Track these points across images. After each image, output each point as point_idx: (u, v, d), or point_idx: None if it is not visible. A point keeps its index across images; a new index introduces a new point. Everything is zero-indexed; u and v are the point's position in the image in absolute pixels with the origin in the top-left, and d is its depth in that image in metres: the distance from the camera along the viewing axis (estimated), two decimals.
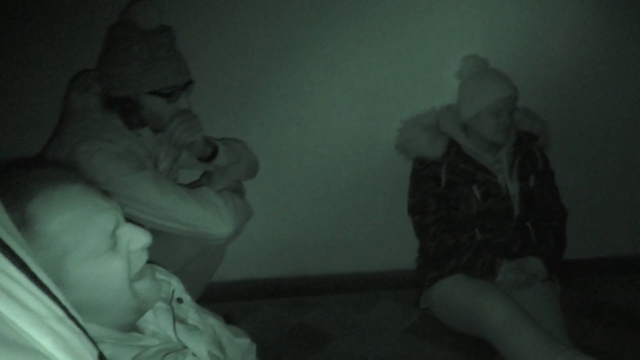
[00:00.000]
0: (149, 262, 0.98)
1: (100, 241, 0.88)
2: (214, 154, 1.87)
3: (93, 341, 0.61)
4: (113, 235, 0.91)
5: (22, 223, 0.83)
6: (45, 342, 0.53)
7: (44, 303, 0.55)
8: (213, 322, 1.21)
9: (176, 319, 1.06)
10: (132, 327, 0.98)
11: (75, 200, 0.88)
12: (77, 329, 0.58)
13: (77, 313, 0.86)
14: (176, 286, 1.14)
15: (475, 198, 2.13)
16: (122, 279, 0.91)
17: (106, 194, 0.95)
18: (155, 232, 1.65)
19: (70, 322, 0.58)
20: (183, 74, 1.70)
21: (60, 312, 0.57)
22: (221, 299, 2.46)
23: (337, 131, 2.45)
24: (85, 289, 0.87)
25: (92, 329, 0.89)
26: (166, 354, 0.94)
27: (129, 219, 0.97)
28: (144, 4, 1.65)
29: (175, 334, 1.03)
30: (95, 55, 1.83)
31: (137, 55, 1.61)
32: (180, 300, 1.13)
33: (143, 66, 1.62)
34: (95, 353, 0.60)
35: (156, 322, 1.04)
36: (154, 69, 1.63)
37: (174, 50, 1.68)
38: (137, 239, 0.94)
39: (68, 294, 0.85)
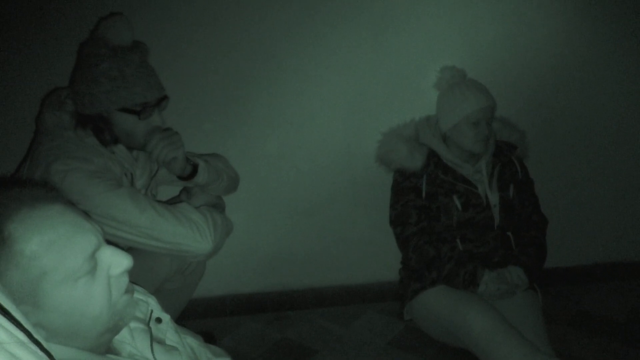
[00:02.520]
0: None
1: (80, 263, 0.86)
2: (193, 173, 1.85)
3: None
4: (93, 258, 0.88)
5: (0, 242, 0.81)
6: None
7: (4, 328, 0.53)
8: (192, 341, 1.19)
9: (154, 339, 1.04)
10: (107, 349, 0.96)
11: (54, 220, 0.86)
12: (40, 353, 0.57)
13: (53, 336, 0.84)
14: (154, 306, 1.12)
15: (456, 208, 2.14)
16: (101, 305, 0.89)
17: (86, 214, 0.93)
18: (132, 249, 1.64)
19: (33, 347, 0.56)
20: (154, 90, 1.67)
21: (22, 337, 0.55)
22: (203, 315, 2.44)
23: (316, 143, 2.45)
24: (62, 313, 0.85)
25: (66, 352, 0.87)
26: None
27: (110, 242, 0.95)
28: (114, 19, 1.63)
29: (153, 355, 1.01)
30: (69, 72, 1.82)
31: (105, 72, 1.59)
32: (159, 320, 1.11)
33: (111, 83, 1.60)
34: None
35: (133, 343, 1.01)
36: (122, 86, 1.60)
37: (144, 66, 1.66)
38: (118, 263, 0.91)
39: (44, 317, 0.83)
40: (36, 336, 0.58)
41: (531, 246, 2.18)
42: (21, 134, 2.05)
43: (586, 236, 2.74)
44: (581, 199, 2.69)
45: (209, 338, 2.09)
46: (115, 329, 0.94)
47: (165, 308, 1.16)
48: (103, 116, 1.65)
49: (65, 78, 1.91)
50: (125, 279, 0.94)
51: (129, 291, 0.95)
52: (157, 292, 1.70)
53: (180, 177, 1.86)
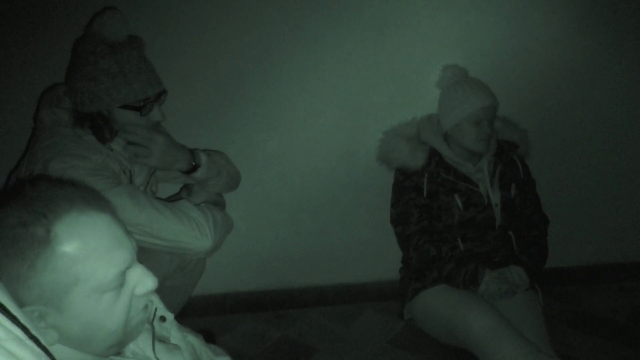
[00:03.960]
0: None
1: (111, 278, 0.86)
2: (194, 167, 1.84)
3: None
4: (123, 275, 0.89)
5: (43, 240, 0.81)
6: None
7: (1, 325, 0.53)
8: (193, 340, 1.19)
9: (156, 338, 1.04)
10: None
11: (100, 230, 0.86)
12: (38, 350, 0.57)
13: (65, 340, 0.84)
14: (158, 304, 1.12)
15: (457, 207, 2.13)
16: (118, 321, 0.89)
17: (126, 229, 0.93)
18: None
19: (30, 343, 0.56)
20: (154, 85, 1.65)
21: (19, 333, 0.55)
22: (202, 313, 2.44)
23: (317, 142, 2.44)
24: (81, 322, 0.86)
25: (71, 354, 0.87)
26: None
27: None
28: (109, 15, 1.60)
29: (155, 354, 1.01)
30: (65, 68, 1.80)
31: (105, 69, 1.57)
32: (162, 319, 1.11)
33: (112, 80, 1.58)
34: None
35: (136, 341, 1.02)
36: (123, 82, 1.58)
37: (143, 61, 1.64)
38: (144, 284, 0.92)
39: (63, 321, 0.84)
40: (34, 332, 0.57)
41: (532, 246, 2.17)
42: (20, 131, 2.04)
43: (587, 236, 2.74)
44: (582, 199, 2.69)
45: (208, 336, 2.08)
46: (123, 344, 0.95)
47: (165, 305, 1.16)
48: (103, 114, 1.64)
49: (62, 74, 1.90)
50: (144, 300, 0.95)
51: (143, 310, 0.95)
52: (156, 290, 1.70)
53: (180, 170, 1.85)
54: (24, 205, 0.83)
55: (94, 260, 0.84)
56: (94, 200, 0.89)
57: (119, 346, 0.93)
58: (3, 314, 0.55)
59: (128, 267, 0.90)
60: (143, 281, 0.92)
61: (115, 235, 0.88)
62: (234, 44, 2.26)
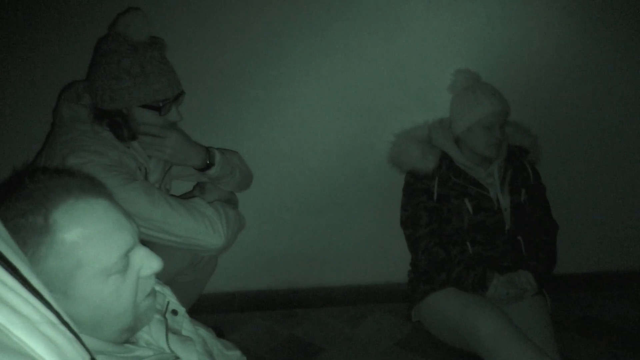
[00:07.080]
0: None
1: (114, 260, 0.88)
2: (209, 164, 1.87)
3: (85, 347, 0.61)
4: (126, 257, 0.91)
5: (43, 228, 0.83)
6: (37, 347, 0.53)
7: (36, 308, 0.55)
8: (204, 333, 1.21)
9: (169, 330, 1.06)
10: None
11: (98, 215, 0.88)
12: (70, 334, 0.58)
13: (76, 326, 0.86)
14: (171, 297, 1.14)
15: (467, 211, 2.14)
16: (126, 303, 0.91)
17: (126, 212, 0.95)
18: (145, 242, 1.65)
19: (62, 327, 0.58)
20: (174, 86, 1.69)
21: (52, 317, 0.57)
22: (211, 311, 2.45)
23: (328, 143, 2.45)
24: (89, 306, 0.87)
25: (87, 340, 0.89)
26: None
27: (143, 242, 0.97)
28: (132, 15, 1.64)
29: (168, 345, 1.03)
30: (86, 66, 1.83)
31: (127, 69, 1.60)
32: (175, 312, 1.13)
33: (133, 80, 1.61)
34: (87, 358, 0.60)
35: (150, 332, 1.04)
36: (144, 82, 1.61)
37: (164, 62, 1.68)
38: (148, 265, 0.94)
39: (72, 307, 0.86)
40: (65, 318, 0.59)
41: (541, 251, 2.18)
42: (39, 126, 2.07)
43: (597, 243, 2.73)
44: (592, 205, 2.68)
45: (217, 333, 2.10)
46: (134, 329, 0.96)
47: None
48: (122, 112, 1.67)
49: (82, 71, 1.93)
50: (151, 282, 0.97)
51: (151, 295, 0.97)
52: (168, 284, 1.72)
53: (194, 167, 1.88)
54: (23, 197, 0.86)
55: (94, 244, 0.86)
56: (91, 186, 0.91)
57: (130, 331, 0.95)
58: (37, 298, 0.57)
59: (130, 249, 0.91)
60: (148, 263, 0.93)
61: (114, 219, 0.90)
62: (240, 43, 2.27)
